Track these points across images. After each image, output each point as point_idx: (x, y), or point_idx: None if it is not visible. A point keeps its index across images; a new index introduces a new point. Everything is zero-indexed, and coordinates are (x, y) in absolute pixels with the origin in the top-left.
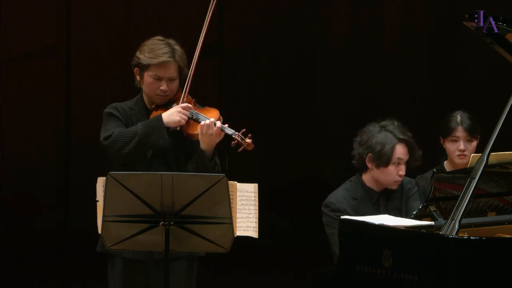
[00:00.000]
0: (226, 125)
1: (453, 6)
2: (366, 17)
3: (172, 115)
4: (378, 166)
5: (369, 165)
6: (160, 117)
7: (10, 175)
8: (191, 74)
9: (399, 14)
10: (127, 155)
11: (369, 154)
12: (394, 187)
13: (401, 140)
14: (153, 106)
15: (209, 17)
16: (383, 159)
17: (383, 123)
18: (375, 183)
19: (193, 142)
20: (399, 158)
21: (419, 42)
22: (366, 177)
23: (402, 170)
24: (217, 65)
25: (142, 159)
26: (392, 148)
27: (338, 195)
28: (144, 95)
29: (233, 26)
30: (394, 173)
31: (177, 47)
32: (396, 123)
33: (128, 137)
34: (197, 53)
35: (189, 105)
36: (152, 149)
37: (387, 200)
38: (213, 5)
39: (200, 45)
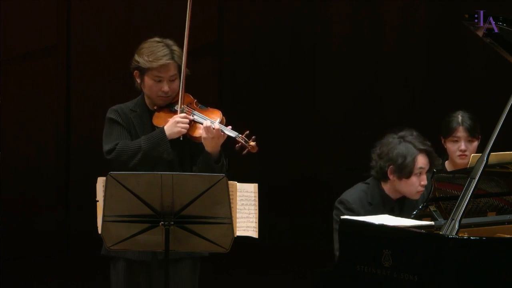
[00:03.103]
0: (230, 127)
1: (453, 6)
2: (366, 17)
3: (172, 127)
4: (400, 177)
5: (390, 177)
6: (163, 130)
7: (10, 175)
8: (183, 75)
9: (399, 14)
10: (132, 169)
11: (391, 166)
12: (417, 197)
13: (421, 151)
14: (154, 107)
15: (189, 16)
16: (406, 171)
17: (402, 133)
18: (395, 192)
19: (197, 143)
20: (420, 168)
21: (419, 42)
22: (385, 186)
23: (424, 180)
24: (217, 65)
25: (147, 167)
26: (414, 160)
27: (355, 196)
28: (145, 96)
29: (233, 26)
30: (417, 184)
31: (175, 47)
32: (414, 133)
33: (132, 152)
34: (185, 54)
35: (187, 114)
36: (156, 162)
37: (402, 208)
38: (190, 5)
39: (186, 46)
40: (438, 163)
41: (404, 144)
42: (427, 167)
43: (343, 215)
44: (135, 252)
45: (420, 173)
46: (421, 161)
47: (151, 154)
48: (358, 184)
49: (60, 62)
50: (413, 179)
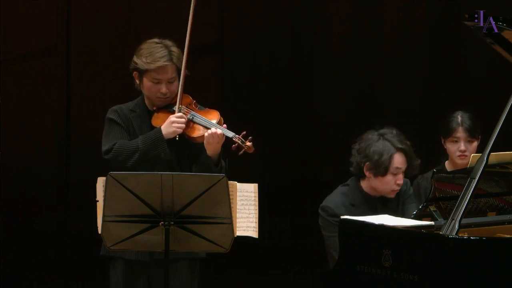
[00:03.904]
0: (224, 125)
1: (453, 6)
2: (366, 17)
3: (167, 127)
4: (375, 175)
5: (367, 173)
6: (159, 131)
7: (10, 175)
8: (183, 75)
9: (399, 14)
10: (130, 168)
11: (367, 163)
12: (392, 195)
13: (399, 150)
14: (154, 108)
15: (192, 17)
16: (381, 169)
17: (382, 131)
18: (373, 190)
19: (196, 144)
20: (397, 168)
21: (419, 42)
22: (364, 184)
23: (400, 179)
24: (217, 65)
25: (146, 167)
26: (390, 158)
27: (335, 200)
28: (145, 97)
29: (233, 26)
30: (392, 182)
31: (174, 49)
32: (394, 131)
33: (129, 152)
34: (185, 55)
35: (183, 114)
36: (155, 162)
37: (384, 205)
38: (194, 5)
39: (187, 46)
40: (416, 163)
41: (382, 142)
42: (403, 167)
43: (327, 221)
44: (133, 252)
45: (396, 173)
46: (398, 160)
47: (148, 154)
48: (338, 187)
49: (60, 62)
50: (389, 177)
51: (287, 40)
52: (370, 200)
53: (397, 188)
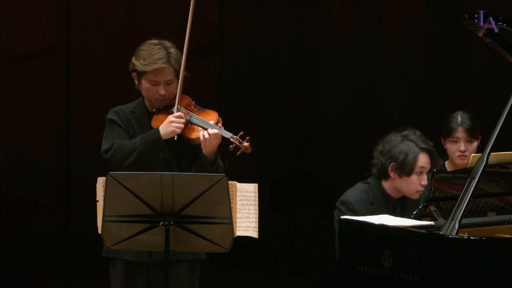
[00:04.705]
0: (221, 126)
1: (453, 6)
2: (366, 17)
3: (166, 127)
4: (401, 175)
5: (391, 174)
6: (157, 131)
7: (10, 175)
8: (182, 76)
9: (399, 14)
10: (129, 168)
11: (392, 163)
12: (416, 196)
13: (423, 150)
14: (154, 110)
15: (191, 16)
16: (406, 169)
17: (404, 132)
18: (395, 191)
19: (195, 145)
20: (422, 167)
21: (419, 42)
22: (386, 185)
23: (424, 180)
24: (217, 65)
25: (145, 166)
26: (415, 158)
27: (356, 196)
28: (145, 98)
29: (233, 26)
30: (417, 183)
31: (172, 50)
32: (417, 132)
33: (127, 151)
34: (185, 55)
35: (182, 114)
36: (153, 162)
37: (403, 207)
38: (193, 5)
39: (186, 47)
40: (440, 163)
41: (407, 142)
42: (428, 167)
43: (345, 215)
44: (133, 254)
45: (421, 172)
46: (423, 160)
47: (146, 154)
48: (358, 184)
49: (60, 62)
50: (414, 177)
51: (287, 40)
52: (390, 201)
53: (422, 188)
